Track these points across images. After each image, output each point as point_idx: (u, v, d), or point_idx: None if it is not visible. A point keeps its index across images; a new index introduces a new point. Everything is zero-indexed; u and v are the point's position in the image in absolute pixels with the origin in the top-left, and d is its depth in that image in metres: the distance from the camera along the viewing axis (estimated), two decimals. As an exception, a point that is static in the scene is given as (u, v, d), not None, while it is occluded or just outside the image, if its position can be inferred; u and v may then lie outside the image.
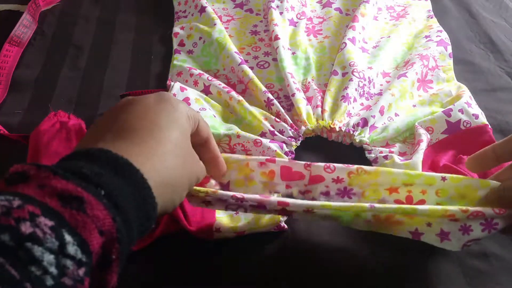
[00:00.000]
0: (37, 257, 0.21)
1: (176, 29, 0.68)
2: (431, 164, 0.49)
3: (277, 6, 0.69)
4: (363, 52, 0.64)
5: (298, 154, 0.52)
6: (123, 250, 0.25)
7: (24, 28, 0.69)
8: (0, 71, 0.62)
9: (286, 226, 0.45)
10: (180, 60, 0.63)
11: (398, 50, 0.65)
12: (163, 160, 0.29)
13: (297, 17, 0.69)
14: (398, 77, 0.58)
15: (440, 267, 0.43)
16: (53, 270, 0.21)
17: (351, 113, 0.55)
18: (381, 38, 0.67)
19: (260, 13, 0.72)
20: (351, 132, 0.53)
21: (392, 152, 0.51)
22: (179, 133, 0.32)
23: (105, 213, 0.24)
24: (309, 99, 0.56)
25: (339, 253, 0.44)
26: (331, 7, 0.72)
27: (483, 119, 0.53)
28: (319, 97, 0.57)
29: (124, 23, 0.73)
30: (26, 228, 0.21)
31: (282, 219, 0.45)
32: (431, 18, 0.72)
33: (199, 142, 0.37)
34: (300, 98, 0.55)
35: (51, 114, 0.51)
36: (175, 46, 0.66)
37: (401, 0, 0.75)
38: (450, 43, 0.65)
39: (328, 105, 0.55)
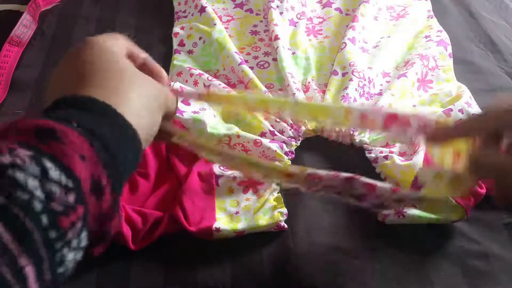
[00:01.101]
0: (20, 181, 0.21)
1: (176, 29, 0.68)
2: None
3: (277, 6, 0.69)
4: (363, 52, 0.64)
5: (298, 154, 0.52)
6: (114, 178, 0.25)
7: (24, 28, 0.69)
8: (0, 71, 0.62)
9: (286, 226, 0.45)
10: (180, 60, 0.63)
11: (398, 50, 0.65)
12: (131, 97, 0.29)
13: (297, 17, 0.69)
14: (398, 77, 0.58)
15: (440, 267, 0.43)
16: (39, 194, 0.21)
17: (351, 113, 0.55)
18: (381, 38, 0.67)
19: (260, 13, 0.72)
20: (351, 132, 0.53)
21: (392, 152, 0.51)
22: (121, 61, 0.31)
23: (81, 139, 0.24)
24: (309, 99, 0.56)
25: (339, 253, 0.44)
26: (331, 7, 0.72)
27: (483, 119, 0.53)
28: (319, 97, 0.57)
29: (124, 23, 0.73)
30: (5, 159, 0.21)
31: (282, 218, 0.45)
32: (431, 18, 0.72)
33: (139, 64, 0.35)
34: (300, 98, 0.55)
35: (51, 114, 0.51)
36: (175, 46, 0.66)
37: (401, 0, 0.75)
38: (450, 43, 0.65)
39: (328, 105, 0.55)
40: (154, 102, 0.31)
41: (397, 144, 0.52)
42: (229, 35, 0.66)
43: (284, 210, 0.46)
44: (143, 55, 0.35)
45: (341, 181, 0.36)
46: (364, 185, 0.36)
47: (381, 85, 0.60)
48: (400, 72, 0.59)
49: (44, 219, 0.21)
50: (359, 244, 0.44)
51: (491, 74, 0.64)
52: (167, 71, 0.63)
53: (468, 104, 0.54)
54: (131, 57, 0.34)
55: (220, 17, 0.70)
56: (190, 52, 0.65)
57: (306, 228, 0.46)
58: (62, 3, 0.77)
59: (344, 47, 0.62)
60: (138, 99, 0.29)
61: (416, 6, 0.73)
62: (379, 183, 0.36)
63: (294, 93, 0.56)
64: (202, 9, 0.70)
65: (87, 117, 0.26)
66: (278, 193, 0.47)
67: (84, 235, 0.23)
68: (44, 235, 0.21)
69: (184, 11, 0.73)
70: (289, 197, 0.48)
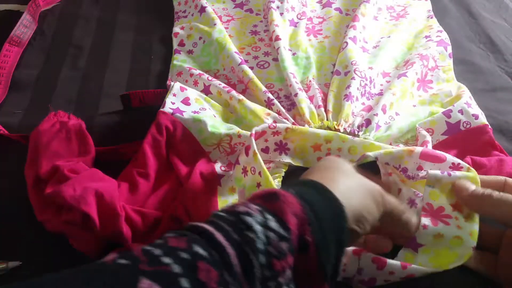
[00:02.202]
0: (249, 224, 0.28)
1: (176, 29, 0.68)
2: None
3: (277, 7, 0.69)
4: (363, 52, 0.64)
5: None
6: (317, 236, 0.30)
7: (24, 28, 0.69)
8: (0, 71, 0.62)
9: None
10: (180, 60, 0.63)
11: (398, 50, 0.65)
12: (341, 183, 0.35)
13: (297, 17, 0.69)
14: (398, 76, 0.58)
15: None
16: (261, 236, 0.28)
17: (353, 113, 0.55)
18: (381, 38, 0.67)
19: (260, 13, 0.72)
20: (356, 133, 0.53)
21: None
22: (350, 170, 0.38)
23: (295, 200, 0.30)
24: (310, 98, 0.56)
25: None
26: (331, 7, 0.72)
27: (483, 119, 0.53)
28: (320, 97, 0.56)
29: (124, 23, 0.73)
30: (241, 209, 0.30)
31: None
32: (431, 18, 0.72)
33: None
34: (303, 98, 0.55)
35: (51, 114, 0.51)
36: (175, 46, 0.66)
37: (401, 0, 0.75)
38: (450, 43, 0.65)
39: (331, 106, 0.55)
40: (363, 190, 0.36)
41: (400, 145, 0.52)
42: (229, 35, 0.66)
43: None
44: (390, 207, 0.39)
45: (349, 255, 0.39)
46: (374, 260, 0.39)
47: (381, 85, 0.60)
48: (400, 72, 0.59)
49: (262, 259, 0.28)
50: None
51: (491, 74, 0.64)
52: (167, 71, 0.63)
53: (468, 105, 0.54)
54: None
55: (220, 17, 0.70)
56: (190, 52, 0.65)
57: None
58: (62, 3, 0.77)
59: (346, 46, 0.62)
60: (347, 185, 0.35)
61: (416, 6, 0.73)
62: (389, 260, 0.39)
63: (297, 93, 0.56)
64: (202, 9, 0.70)
65: (305, 190, 0.33)
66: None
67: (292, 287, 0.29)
68: (261, 273, 0.27)
69: (184, 11, 0.73)
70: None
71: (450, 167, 0.42)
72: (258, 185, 0.44)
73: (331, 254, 0.30)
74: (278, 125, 0.49)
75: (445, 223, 0.40)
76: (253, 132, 0.46)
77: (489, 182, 0.42)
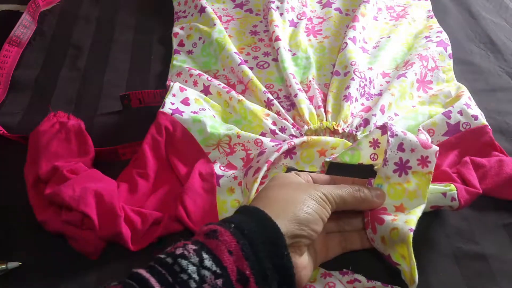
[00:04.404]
0: (184, 267, 0.31)
1: (176, 29, 0.68)
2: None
3: (277, 7, 0.69)
4: (363, 52, 0.64)
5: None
6: (255, 269, 0.32)
7: (24, 28, 0.69)
8: (0, 71, 0.62)
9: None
10: (179, 61, 0.63)
11: (398, 51, 0.65)
12: (286, 199, 0.37)
13: (297, 18, 0.69)
14: (397, 77, 0.58)
15: (438, 269, 0.43)
16: (195, 276, 0.31)
17: (353, 113, 0.55)
18: (381, 38, 0.67)
19: (260, 13, 0.72)
20: (354, 133, 0.53)
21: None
22: (299, 183, 0.40)
23: (231, 238, 0.33)
24: (310, 99, 0.56)
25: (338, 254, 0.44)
26: (331, 7, 0.72)
27: (482, 120, 0.53)
28: (320, 97, 0.56)
29: (124, 23, 0.73)
30: (179, 251, 0.32)
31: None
32: (431, 18, 0.71)
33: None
34: (302, 99, 0.55)
35: (51, 115, 0.51)
36: (174, 46, 0.66)
37: (401, 0, 0.75)
38: (450, 43, 0.65)
39: (331, 106, 0.55)
40: (306, 198, 0.37)
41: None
42: (229, 35, 0.66)
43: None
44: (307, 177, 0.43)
45: None
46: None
47: (381, 85, 0.60)
48: (399, 72, 0.59)
49: None
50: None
51: (491, 74, 0.64)
52: (167, 71, 0.63)
53: (468, 106, 0.54)
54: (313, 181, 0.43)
55: (220, 17, 0.70)
56: (189, 52, 0.65)
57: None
58: (62, 3, 0.77)
59: (345, 46, 0.62)
60: (291, 199, 0.37)
61: (416, 6, 0.73)
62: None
63: (296, 94, 0.56)
64: (202, 9, 0.70)
65: (245, 221, 0.34)
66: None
67: None
68: None
69: (184, 11, 0.73)
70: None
71: (418, 159, 0.42)
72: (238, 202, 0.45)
73: (272, 281, 0.33)
74: (295, 140, 0.49)
75: (380, 222, 0.40)
76: (271, 160, 0.46)
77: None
